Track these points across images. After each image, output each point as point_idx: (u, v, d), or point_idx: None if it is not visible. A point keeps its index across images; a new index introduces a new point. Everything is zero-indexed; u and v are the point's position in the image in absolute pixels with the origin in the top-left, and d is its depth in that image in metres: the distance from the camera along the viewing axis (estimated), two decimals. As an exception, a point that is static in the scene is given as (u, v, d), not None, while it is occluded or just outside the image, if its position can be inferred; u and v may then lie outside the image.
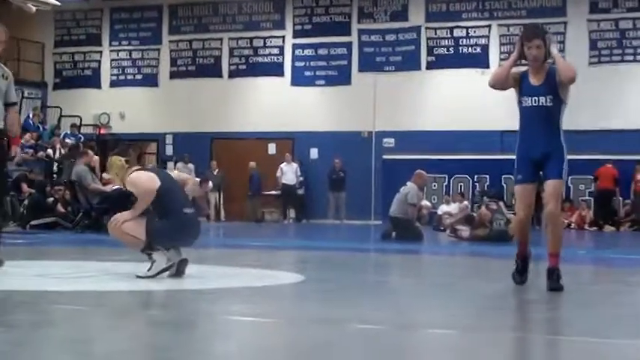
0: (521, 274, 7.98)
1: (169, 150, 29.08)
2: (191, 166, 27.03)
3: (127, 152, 8.52)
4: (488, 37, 26.90)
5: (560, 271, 7.60)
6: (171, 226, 8.12)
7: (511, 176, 27.02)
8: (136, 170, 8.47)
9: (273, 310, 6.55)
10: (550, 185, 7.76)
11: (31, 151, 24.22)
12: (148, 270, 8.02)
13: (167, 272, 8.07)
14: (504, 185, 25.75)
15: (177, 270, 8.12)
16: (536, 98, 7.75)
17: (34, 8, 25.00)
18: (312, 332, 5.43)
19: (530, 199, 7.89)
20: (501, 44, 26.69)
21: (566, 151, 7.77)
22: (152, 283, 7.82)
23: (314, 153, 27.98)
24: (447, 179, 26.64)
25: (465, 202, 24.32)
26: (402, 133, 26.81)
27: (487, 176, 26.19)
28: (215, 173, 27.05)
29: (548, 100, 7.72)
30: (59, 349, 4.85)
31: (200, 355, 4.60)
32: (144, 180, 8.24)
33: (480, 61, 26.64)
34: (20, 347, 4.67)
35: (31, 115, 27.08)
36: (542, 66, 7.80)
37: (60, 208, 19.46)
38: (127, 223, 8.08)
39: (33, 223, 18.89)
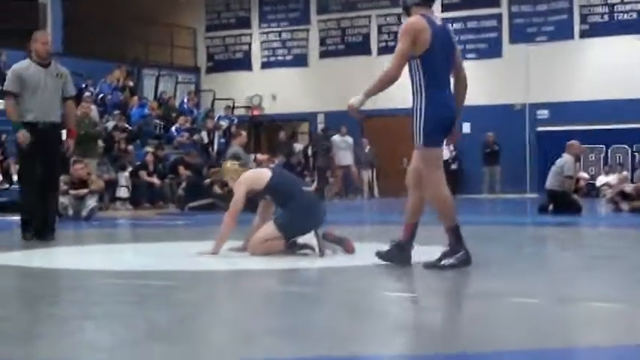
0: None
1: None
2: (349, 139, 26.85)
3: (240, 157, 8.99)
4: (644, 1, 26.09)
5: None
6: (295, 211, 8.17)
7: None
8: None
9: (429, 286, 6.51)
10: None
11: (186, 134, 24.81)
12: (321, 255, 8.08)
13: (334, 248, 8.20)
14: (664, 154, 25.02)
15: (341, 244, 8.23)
16: None
17: (185, -5, 25.59)
18: (469, 307, 5.37)
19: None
20: (658, 9, 25.85)
21: (428, 114, 6.78)
22: (304, 262, 7.88)
23: (466, 127, 27.67)
24: (604, 150, 26.00)
25: (625, 173, 23.71)
26: (557, 104, 26.26)
27: (647, 146, 25.44)
28: (366, 151, 27.02)
29: None
30: (219, 326, 4.92)
31: (359, 332, 4.60)
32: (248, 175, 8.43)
33: (636, 27, 25.85)
34: (182, 325, 4.77)
35: (185, 100, 27.71)
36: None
37: (216, 189, 19.82)
38: (261, 234, 8.18)
39: (191, 205, 19.31)
